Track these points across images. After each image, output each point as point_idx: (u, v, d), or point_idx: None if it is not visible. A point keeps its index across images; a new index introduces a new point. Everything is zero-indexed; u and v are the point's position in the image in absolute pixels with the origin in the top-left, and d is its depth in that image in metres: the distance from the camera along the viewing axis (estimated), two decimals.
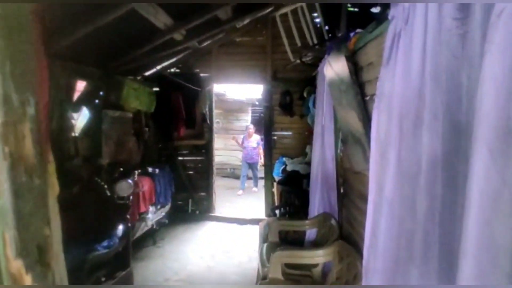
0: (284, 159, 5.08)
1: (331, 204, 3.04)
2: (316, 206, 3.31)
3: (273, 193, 5.33)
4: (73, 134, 3.29)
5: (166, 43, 4.16)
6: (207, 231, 5.02)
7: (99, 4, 2.89)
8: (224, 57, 5.34)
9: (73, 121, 3.28)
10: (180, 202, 5.48)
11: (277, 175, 5.01)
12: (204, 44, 5.10)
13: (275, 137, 5.37)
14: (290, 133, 5.40)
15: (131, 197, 3.48)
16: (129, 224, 3.01)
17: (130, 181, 3.45)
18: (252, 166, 7.25)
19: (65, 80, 3.25)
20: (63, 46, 3.14)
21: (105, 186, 2.87)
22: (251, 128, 7.21)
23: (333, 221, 2.88)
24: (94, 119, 3.83)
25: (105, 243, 2.57)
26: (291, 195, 4.39)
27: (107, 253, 2.55)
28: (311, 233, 3.20)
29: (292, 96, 5.18)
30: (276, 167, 5.14)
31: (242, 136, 7.38)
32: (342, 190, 2.83)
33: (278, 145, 5.39)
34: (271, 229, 3.22)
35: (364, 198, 2.10)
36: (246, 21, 4.99)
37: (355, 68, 1.99)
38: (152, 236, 4.35)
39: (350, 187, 2.60)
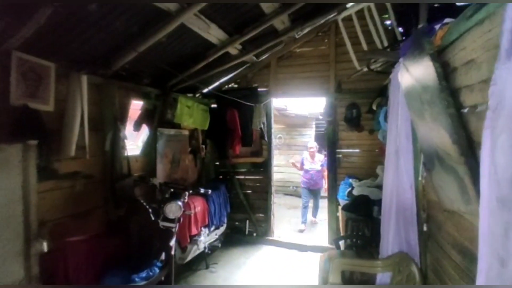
0: (350, 180, 4.47)
1: (410, 244, 2.40)
2: (389, 242, 2.68)
3: (337, 217, 4.73)
4: (125, 153, 3.25)
5: (221, 58, 4.01)
6: (264, 256, 4.63)
7: (149, 24, 2.82)
8: (283, 70, 5.03)
9: (125, 141, 3.25)
10: (237, 223, 5.22)
11: (342, 198, 4.42)
12: (262, 57, 4.87)
13: (340, 155, 4.80)
14: (357, 150, 4.78)
15: (181, 219, 3.29)
16: (173, 252, 2.79)
17: (179, 202, 3.26)
18: (315, 193, 5.97)
19: (120, 99, 3.26)
20: (119, 67, 3.15)
21: (149, 210, 2.71)
22: (314, 147, 5.93)
23: (413, 267, 2.26)
24: (149, 138, 3.80)
25: (143, 274, 2.38)
26: (358, 224, 3.77)
27: (145, 285, 2.34)
28: (383, 277, 2.59)
29: (359, 109, 4.59)
30: (341, 189, 4.55)
31: (302, 157, 6.11)
32: (425, 228, 2.20)
33: (344, 164, 4.80)
34: (333, 268, 2.69)
35: (465, 251, 1.50)
36: (306, 29, 4.62)
37: (445, 71, 1.46)
38: (205, 259, 4.12)
39: (437, 226, 1.98)
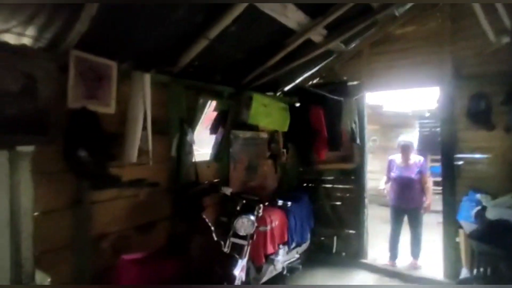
0: (478, 196, 3.31)
1: None
2: None
3: (456, 244, 3.59)
4: (193, 159, 2.93)
5: (302, 47, 3.41)
6: (355, 283, 3.81)
7: (215, 8, 2.43)
8: (379, 58, 4.11)
9: (193, 145, 2.92)
10: (323, 239, 4.49)
11: (466, 220, 3.30)
12: (352, 44, 4.07)
13: (461, 162, 3.65)
14: (486, 155, 3.56)
15: (254, 236, 2.80)
16: (237, 282, 2.29)
17: (252, 217, 2.79)
18: (411, 215, 4.02)
19: (188, 100, 2.96)
20: (186, 63, 2.85)
21: (212, 229, 2.27)
22: (408, 144, 4.11)
23: None
24: (222, 142, 3.43)
25: None
26: (494, 259, 2.69)
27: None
28: None
29: (489, 100, 3.40)
30: (463, 208, 3.42)
31: (389, 159, 4.30)
32: None
33: (466, 173, 3.61)
34: None
35: None
36: (410, 4, 3.68)
37: None
38: (283, 282, 3.54)
39: None
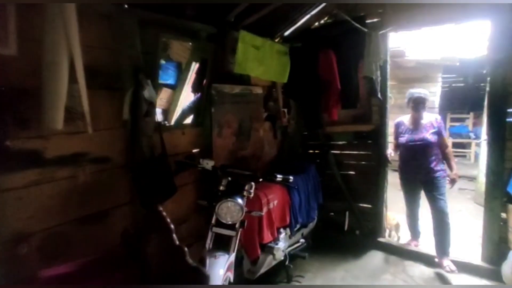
0: None
1: None
2: None
3: (503, 221, 2.87)
4: (153, 123, 2.12)
5: None
6: (371, 268, 3.17)
7: None
8: None
9: (156, 103, 2.10)
10: (332, 214, 3.80)
11: None
12: None
13: None
14: None
15: (244, 224, 2.09)
16: None
17: (239, 200, 2.04)
18: (429, 189, 3.10)
19: (145, 41, 2.09)
20: None
21: (172, 228, 1.51)
22: (422, 97, 3.17)
23: None
24: (200, 100, 2.61)
25: None
26: None
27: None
28: None
29: None
30: None
31: (395, 122, 3.39)
32: None
33: None
34: None
35: None
36: None
37: None
38: (286, 271, 2.89)
39: None
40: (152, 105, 2.02)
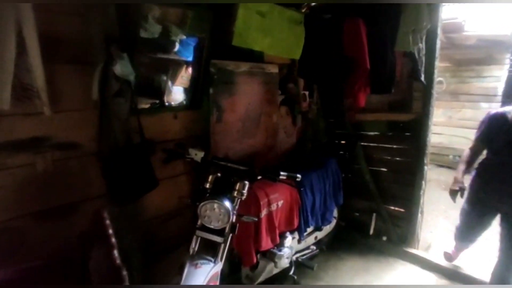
0: None
1: None
2: None
3: None
4: (129, 104, 1.78)
5: None
6: (396, 284, 2.68)
7: None
8: None
9: (131, 81, 1.76)
10: (357, 214, 3.32)
11: None
12: None
13: None
14: None
15: (235, 229, 1.73)
16: None
17: (226, 202, 1.67)
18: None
19: (124, 7, 1.73)
20: None
21: (113, 243, 1.18)
22: None
23: None
24: (198, 78, 2.24)
25: None
26: None
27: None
28: None
29: None
30: None
31: (483, 118, 2.28)
32: None
33: None
34: None
35: None
36: None
37: None
38: (292, 280, 2.50)
39: None
40: (127, 83, 1.68)
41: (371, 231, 3.20)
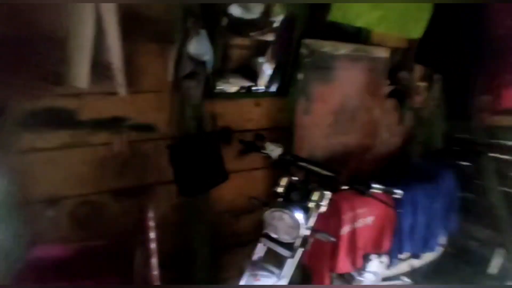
0: None
1: None
2: None
3: None
4: (200, 87, 1.61)
5: None
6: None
7: None
8: None
9: (206, 61, 1.59)
10: (473, 244, 2.60)
11: None
12: None
13: None
14: None
15: (306, 244, 1.46)
16: None
17: (298, 213, 1.39)
18: None
19: None
20: None
21: (151, 240, 1.02)
22: None
23: None
24: (285, 62, 1.96)
25: None
26: None
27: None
28: None
29: None
30: None
31: None
32: None
33: None
34: None
35: None
36: None
37: None
38: None
39: None
40: (201, 64, 1.52)
41: (491, 269, 2.47)
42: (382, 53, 2.20)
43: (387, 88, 2.35)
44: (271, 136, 1.89)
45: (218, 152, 1.69)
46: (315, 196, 1.44)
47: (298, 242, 1.43)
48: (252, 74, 2.38)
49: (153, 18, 1.54)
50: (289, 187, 1.53)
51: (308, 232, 1.43)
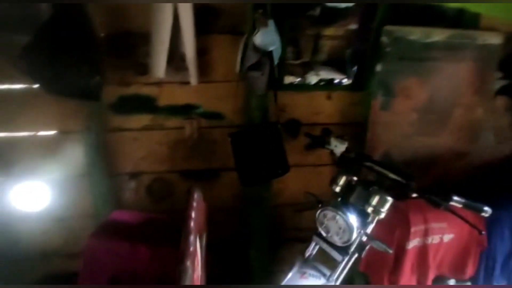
0: None
1: None
2: None
3: None
4: (265, 78, 1.58)
5: None
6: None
7: None
8: None
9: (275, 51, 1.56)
10: None
11: None
12: None
13: None
14: None
15: (362, 252, 1.36)
16: None
17: (350, 216, 1.29)
18: None
19: None
20: None
21: (190, 240, 1.05)
22: None
23: None
24: (357, 51, 1.80)
25: None
26: None
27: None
28: None
29: None
30: None
31: None
32: None
33: None
34: None
35: None
36: None
37: None
38: None
39: None
40: (267, 55, 1.51)
41: None
42: (493, 39, 1.80)
43: (497, 83, 1.93)
44: (340, 132, 1.78)
45: (280, 143, 1.67)
46: (374, 200, 1.30)
47: (352, 246, 1.34)
48: (342, 66, 2.25)
49: (226, 11, 1.60)
50: (348, 187, 1.42)
51: (363, 238, 1.32)
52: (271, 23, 1.49)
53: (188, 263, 0.94)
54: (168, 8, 1.43)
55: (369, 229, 1.33)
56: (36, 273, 1.87)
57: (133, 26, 1.57)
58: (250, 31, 1.50)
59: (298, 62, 2.09)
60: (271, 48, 1.49)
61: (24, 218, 1.76)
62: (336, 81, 2.11)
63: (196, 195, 1.18)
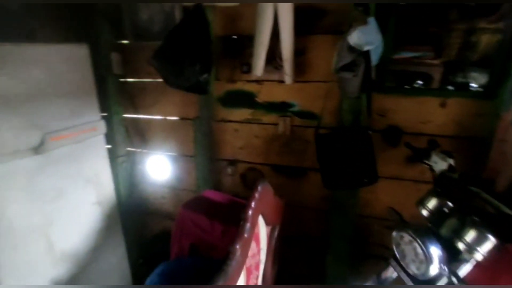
0: None
1: None
2: None
3: None
4: (359, 79, 1.46)
5: None
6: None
7: None
8: None
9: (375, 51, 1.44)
10: None
11: None
12: None
13: None
14: None
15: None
16: None
17: (434, 247, 1.13)
18: None
19: None
20: None
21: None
22: None
23: None
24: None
25: None
26: None
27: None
28: None
29: None
30: None
31: None
32: None
33: None
34: None
35: None
36: None
37: None
38: None
39: None
40: (363, 55, 1.41)
41: None
42: None
43: None
44: (451, 147, 1.54)
45: (370, 151, 1.55)
46: (468, 235, 1.09)
47: (435, 283, 1.16)
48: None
49: (331, 11, 1.58)
50: (439, 212, 1.23)
51: (445, 275, 1.12)
52: (371, 20, 1.40)
53: (238, 246, 1.04)
54: (269, 11, 1.54)
55: (460, 270, 1.12)
56: (152, 229, 2.36)
57: (243, 29, 1.75)
58: (347, 30, 1.44)
59: (437, 61, 1.85)
60: (367, 48, 1.40)
61: (152, 183, 2.24)
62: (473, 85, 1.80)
63: (261, 188, 1.25)
